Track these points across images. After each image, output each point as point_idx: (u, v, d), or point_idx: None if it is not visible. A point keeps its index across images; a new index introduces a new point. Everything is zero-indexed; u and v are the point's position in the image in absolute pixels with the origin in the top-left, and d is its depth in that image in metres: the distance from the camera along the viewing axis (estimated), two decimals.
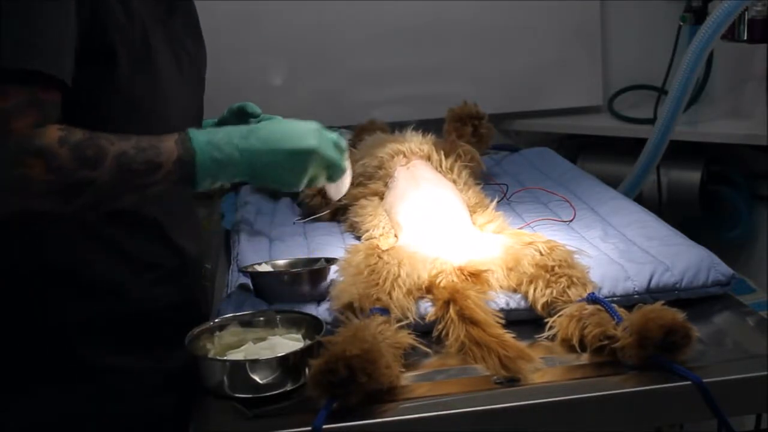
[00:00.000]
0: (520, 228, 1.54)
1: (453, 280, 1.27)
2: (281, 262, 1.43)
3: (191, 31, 1.34)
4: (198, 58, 1.35)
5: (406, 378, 1.13)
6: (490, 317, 1.21)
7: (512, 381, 1.11)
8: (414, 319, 1.23)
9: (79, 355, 1.21)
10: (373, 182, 1.67)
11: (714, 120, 2.38)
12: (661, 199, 2.31)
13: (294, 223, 1.73)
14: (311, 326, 1.18)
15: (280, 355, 1.10)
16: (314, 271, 1.35)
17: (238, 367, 1.09)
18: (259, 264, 1.41)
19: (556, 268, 1.27)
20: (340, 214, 1.70)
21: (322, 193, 1.75)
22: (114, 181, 1.07)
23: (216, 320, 1.21)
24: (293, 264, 1.41)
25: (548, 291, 1.25)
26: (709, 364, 1.13)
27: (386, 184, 1.65)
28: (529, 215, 1.65)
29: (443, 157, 1.71)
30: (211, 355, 1.15)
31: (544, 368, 1.13)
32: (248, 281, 1.37)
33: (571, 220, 1.62)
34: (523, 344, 1.16)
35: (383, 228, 1.52)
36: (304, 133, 1.18)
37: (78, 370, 1.21)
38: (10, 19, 1.02)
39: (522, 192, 1.81)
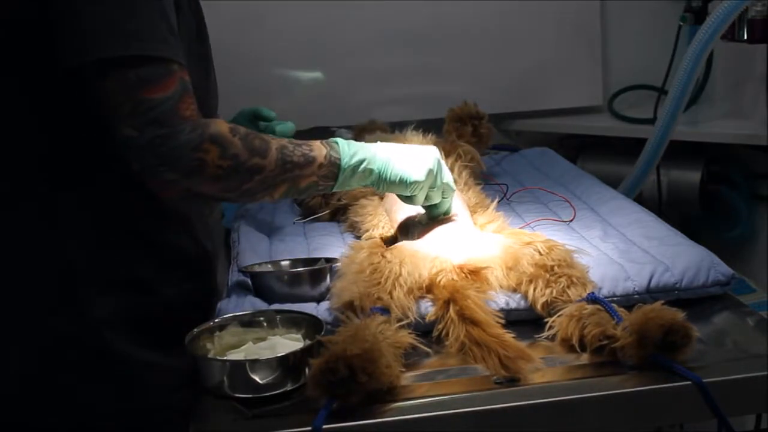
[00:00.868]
0: (520, 228, 1.54)
1: (453, 278, 1.27)
2: (281, 262, 1.43)
3: (200, 34, 1.35)
4: (211, 61, 1.37)
5: (406, 378, 1.13)
6: (490, 317, 1.21)
7: (512, 381, 1.11)
8: (414, 318, 1.23)
9: (108, 348, 1.22)
10: None
11: (714, 120, 2.38)
12: (661, 199, 2.31)
13: (294, 223, 1.73)
14: (311, 326, 1.18)
15: (280, 355, 1.10)
16: (314, 271, 1.35)
17: (238, 367, 1.09)
18: (259, 264, 1.41)
19: (556, 268, 1.27)
20: (340, 214, 1.70)
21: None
22: (277, 170, 1.19)
23: (216, 320, 1.21)
24: (293, 264, 1.41)
25: (548, 291, 1.25)
26: (709, 364, 1.13)
27: None
28: (529, 215, 1.65)
29: (443, 157, 1.70)
30: (211, 355, 1.15)
31: (544, 368, 1.13)
32: (248, 281, 1.37)
33: (571, 220, 1.62)
34: (523, 344, 1.16)
35: (383, 227, 1.52)
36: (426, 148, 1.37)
37: (107, 364, 1.23)
38: (134, 10, 1.10)
39: (522, 192, 1.81)
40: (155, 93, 1.10)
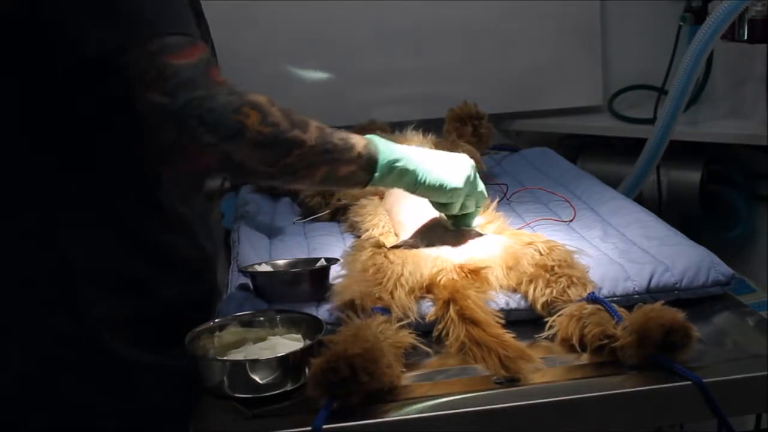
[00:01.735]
0: (520, 228, 1.54)
1: (453, 278, 1.28)
2: (281, 262, 1.43)
3: (206, 34, 1.36)
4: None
5: (407, 378, 1.13)
6: (490, 317, 1.21)
7: (512, 381, 1.11)
8: (415, 318, 1.23)
9: (107, 349, 1.22)
10: None
11: (714, 120, 2.38)
12: (661, 199, 2.31)
13: (294, 223, 1.73)
14: (311, 326, 1.18)
15: (280, 355, 1.10)
16: (314, 271, 1.35)
17: (238, 367, 1.09)
18: (259, 264, 1.41)
19: (556, 268, 1.27)
20: (340, 214, 1.70)
21: (322, 192, 1.75)
22: (318, 148, 1.14)
23: (216, 320, 1.21)
24: (293, 264, 1.41)
25: (548, 291, 1.25)
26: (709, 364, 1.13)
27: None
28: (529, 215, 1.65)
29: None
30: (211, 355, 1.15)
31: (544, 368, 1.13)
32: (248, 281, 1.37)
33: (571, 220, 1.62)
34: (523, 344, 1.16)
35: (383, 227, 1.52)
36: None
37: (106, 364, 1.23)
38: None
39: (522, 192, 1.81)
40: (181, 59, 1.06)
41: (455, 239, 1.38)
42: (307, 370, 1.09)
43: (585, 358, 1.16)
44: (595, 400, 1.08)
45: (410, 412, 1.06)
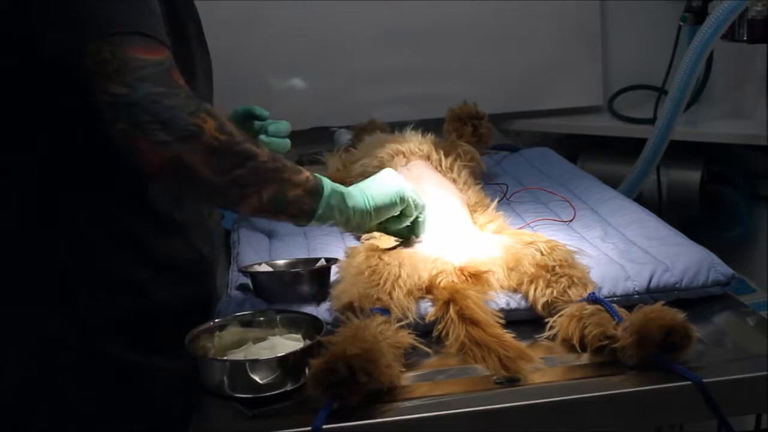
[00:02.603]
0: (520, 228, 1.54)
1: (453, 281, 1.27)
2: (281, 262, 1.43)
3: (199, 38, 1.35)
4: (208, 63, 1.37)
5: (406, 378, 1.13)
6: (490, 317, 1.21)
7: (512, 381, 1.11)
8: (414, 319, 1.23)
9: (103, 351, 1.22)
10: None
11: (714, 120, 2.38)
12: (661, 199, 2.31)
13: None
14: (311, 326, 1.18)
15: (280, 355, 1.10)
16: (314, 271, 1.35)
17: (238, 367, 1.09)
18: (259, 264, 1.40)
19: (557, 268, 1.27)
20: None
21: None
22: (269, 164, 1.13)
23: (216, 320, 1.21)
24: (293, 264, 1.41)
25: (548, 291, 1.25)
26: (709, 364, 1.13)
27: None
28: (529, 215, 1.65)
29: (443, 156, 1.71)
30: (211, 355, 1.15)
31: (544, 368, 1.13)
32: (248, 281, 1.37)
33: (571, 220, 1.62)
34: (523, 344, 1.16)
35: None
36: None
37: (102, 367, 1.23)
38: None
39: (522, 192, 1.81)
40: (145, 54, 1.05)
41: (455, 240, 1.38)
42: (307, 370, 1.09)
43: (585, 358, 1.16)
44: (595, 400, 1.08)
45: (410, 412, 1.06)
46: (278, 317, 1.21)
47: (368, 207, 1.27)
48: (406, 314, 1.22)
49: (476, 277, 1.29)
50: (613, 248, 1.44)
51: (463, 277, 1.29)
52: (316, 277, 1.33)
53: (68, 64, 1.07)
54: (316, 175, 1.22)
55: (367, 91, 2.43)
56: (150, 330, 1.25)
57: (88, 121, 1.13)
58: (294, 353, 1.10)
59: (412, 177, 1.61)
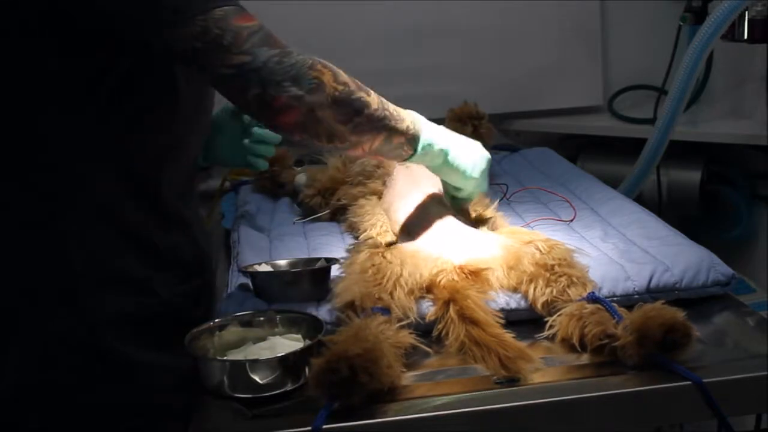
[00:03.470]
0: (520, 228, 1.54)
1: (453, 279, 1.27)
2: (281, 262, 1.42)
3: None
4: None
5: (406, 378, 1.13)
6: (490, 317, 1.21)
7: (512, 381, 1.11)
8: (415, 318, 1.23)
9: (106, 348, 1.22)
10: (371, 181, 1.67)
11: (714, 120, 2.38)
12: (661, 199, 2.31)
13: (294, 223, 1.73)
14: (311, 326, 1.18)
15: (280, 355, 1.10)
16: (314, 271, 1.35)
17: (238, 367, 1.09)
18: (259, 264, 1.40)
19: (556, 267, 1.27)
20: (339, 214, 1.70)
21: (322, 192, 1.75)
22: (380, 112, 1.20)
23: (216, 320, 1.21)
24: (293, 264, 1.41)
25: (548, 290, 1.25)
26: (709, 364, 1.13)
27: (384, 183, 1.65)
28: (529, 215, 1.65)
29: None
30: (211, 355, 1.15)
31: (544, 368, 1.13)
32: (248, 281, 1.37)
33: (571, 220, 1.62)
34: (523, 344, 1.16)
35: (381, 227, 1.51)
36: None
37: (105, 364, 1.23)
38: None
39: (522, 192, 1.81)
40: (247, 21, 1.11)
41: (455, 238, 1.38)
42: (307, 370, 1.09)
43: (585, 358, 1.16)
44: (595, 400, 1.08)
45: (410, 412, 1.06)
46: (278, 317, 1.21)
47: (443, 168, 1.35)
48: (407, 314, 1.22)
49: (476, 275, 1.29)
50: (613, 248, 1.44)
51: (463, 275, 1.29)
52: (316, 277, 1.33)
53: (151, 51, 1.10)
54: (415, 121, 1.27)
55: None
56: (153, 327, 1.26)
57: (106, 114, 1.13)
58: (294, 353, 1.10)
59: (411, 176, 1.62)
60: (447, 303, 1.23)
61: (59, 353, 1.22)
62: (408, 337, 1.18)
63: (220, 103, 1.48)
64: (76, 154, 1.19)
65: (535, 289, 1.26)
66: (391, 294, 1.23)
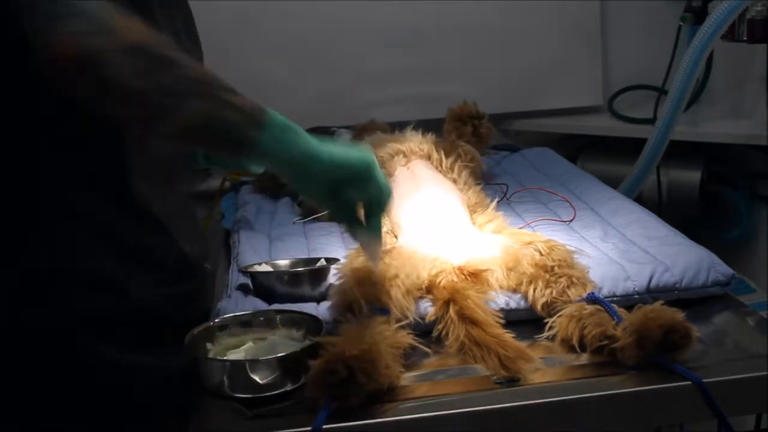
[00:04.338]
0: (520, 228, 1.54)
1: (453, 280, 1.27)
2: (281, 262, 1.43)
3: (189, 35, 1.34)
4: (200, 59, 1.35)
5: (406, 378, 1.13)
6: (490, 317, 1.21)
7: (512, 381, 1.11)
8: (414, 319, 1.23)
9: (79, 349, 1.21)
10: None
11: (714, 120, 2.38)
12: (661, 199, 2.31)
13: (294, 223, 1.73)
14: (311, 326, 1.18)
15: (280, 355, 1.10)
16: (314, 271, 1.35)
17: (238, 367, 1.09)
18: (259, 264, 1.41)
19: (556, 268, 1.27)
20: None
21: None
22: (199, 74, 1.02)
23: (216, 320, 1.21)
24: (293, 264, 1.41)
25: (548, 291, 1.25)
26: (709, 364, 1.13)
27: None
28: (529, 215, 1.65)
29: (443, 156, 1.71)
30: (211, 355, 1.15)
31: (544, 368, 1.13)
32: (248, 281, 1.37)
33: (571, 220, 1.62)
34: (523, 344, 1.16)
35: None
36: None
37: (78, 365, 1.21)
38: None
39: (522, 192, 1.81)
40: None
41: (454, 239, 1.38)
42: (307, 370, 1.09)
43: (585, 358, 1.16)
44: (595, 400, 1.08)
45: (410, 412, 1.06)
46: (278, 317, 1.21)
47: (316, 159, 1.07)
48: (405, 314, 1.22)
49: (475, 276, 1.29)
50: (613, 248, 1.44)
51: (463, 276, 1.29)
52: (316, 277, 1.33)
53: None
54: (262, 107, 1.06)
55: (367, 91, 2.43)
56: (127, 328, 1.23)
57: (67, 113, 1.11)
58: (294, 353, 1.10)
59: (412, 176, 1.62)
60: (447, 303, 1.23)
61: (30, 354, 1.20)
62: (407, 338, 1.18)
63: None
64: (46, 153, 1.16)
65: (534, 291, 1.26)
66: (389, 294, 1.23)
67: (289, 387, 1.09)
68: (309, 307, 1.28)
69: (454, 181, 1.64)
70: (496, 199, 1.60)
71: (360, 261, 1.30)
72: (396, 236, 1.48)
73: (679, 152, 2.25)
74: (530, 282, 1.27)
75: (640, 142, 2.16)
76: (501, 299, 1.28)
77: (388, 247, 1.37)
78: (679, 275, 1.31)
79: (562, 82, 2.53)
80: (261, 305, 1.29)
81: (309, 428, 1.01)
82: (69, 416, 1.22)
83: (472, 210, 1.53)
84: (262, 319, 1.21)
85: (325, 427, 1.01)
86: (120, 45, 0.97)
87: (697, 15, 2.19)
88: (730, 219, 2.43)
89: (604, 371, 1.13)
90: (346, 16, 2.37)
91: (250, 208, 1.83)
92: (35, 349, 1.20)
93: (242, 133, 1.04)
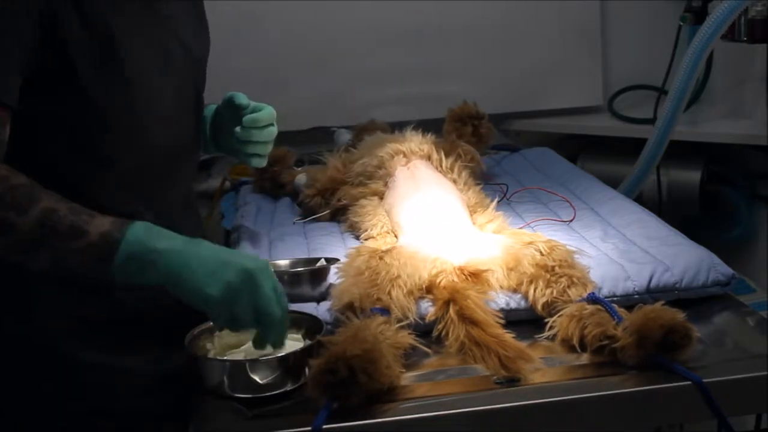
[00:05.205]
0: (520, 228, 1.54)
1: (453, 280, 1.27)
2: (281, 262, 1.43)
3: (192, 18, 1.33)
4: (198, 45, 1.34)
5: (406, 378, 1.13)
6: (490, 317, 1.21)
7: (512, 381, 1.11)
8: (414, 319, 1.23)
9: (58, 350, 1.20)
10: (373, 182, 1.67)
11: (714, 120, 2.38)
12: (661, 199, 2.31)
13: (294, 223, 1.73)
14: (311, 326, 1.18)
15: (280, 355, 1.10)
16: (314, 271, 1.35)
17: (238, 367, 1.09)
18: None
19: (557, 268, 1.27)
20: (340, 214, 1.70)
21: (322, 193, 1.75)
22: (33, 234, 1.03)
23: None
24: (293, 264, 1.41)
25: (548, 291, 1.25)
26: (709, 364, 1.13)
27: (386, 184, 1.65)
28: (529, 215, 1.65)
29: (443, 156, 1.71)
30: (211, 355, 1.15)
31: (544, 368, 1.13)
32: None
33: (571, 220, 1.62)
34: (523, 344, 1.16)
35: (382, 228, 1.52)
36: (247, 256, 1.13)
37: (57, 366, 1.21)
38: None
39: (522, 192, 1.81)
40: None
41: (454, 239, 1.38)
42: (307, 370, 1.09)
43: (585, 358, 1.16)
44: (595, 400, 1.08)
45: (410, 412, 1.06)
46: None
47: (188, 285, 1.05)
48: (406, 314, 1.22)
49: (476, 276, 1.29)
50: (613, 248, 1.44)
51: (463, 277, 1.29)
52: (316, 277, 1.33)
53: None
54: (119, 232, 1.05)
55: (367, 91, 2.43)
56: (112, 332, 1.23)
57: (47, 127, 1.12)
58: (294, 353, 1.10)
59: (412, 177, 1.62)
60: (447, 303, 1.23)
61: (8, 355, 1.20)
62: (407, 338, 1.18)
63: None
64: (30, 160, 1.14)
65: (535, 290, 1.26)
66: (389, 294, 1.23)
67: (289, 387, 1.09)
68: (309, 307, 1.28)
69: (454, 181, 1.64)
70: (496, 199, 1.60)
71: (360, 261, 1.30)
72: (396, 236, 1.48)
73: (679, 152, 2.25)
74: (531, 282, 1.27)
75: (640, 142, 2.16)
76: (501, 299, 1.28)
77: (389, 247, 1.37)
78: (679, 275, 1.31)
79: (562, 82, 2.53)
80: None
81: (309, 428, 1.01)
82: (48, 417, 1.21)
83: (473, 210, 1.53)
84: None
85: (325, 427, 1.01)
86: None
87: (697, 15, 2.19)
88: (730, 219, 2.43)
89: (605, 371, 1.13)
90: (347, 16, 2.37)
91: (250, 208, 1.83)
92: (13, 350, 1.20)
93: (91, 273, 1.06)
